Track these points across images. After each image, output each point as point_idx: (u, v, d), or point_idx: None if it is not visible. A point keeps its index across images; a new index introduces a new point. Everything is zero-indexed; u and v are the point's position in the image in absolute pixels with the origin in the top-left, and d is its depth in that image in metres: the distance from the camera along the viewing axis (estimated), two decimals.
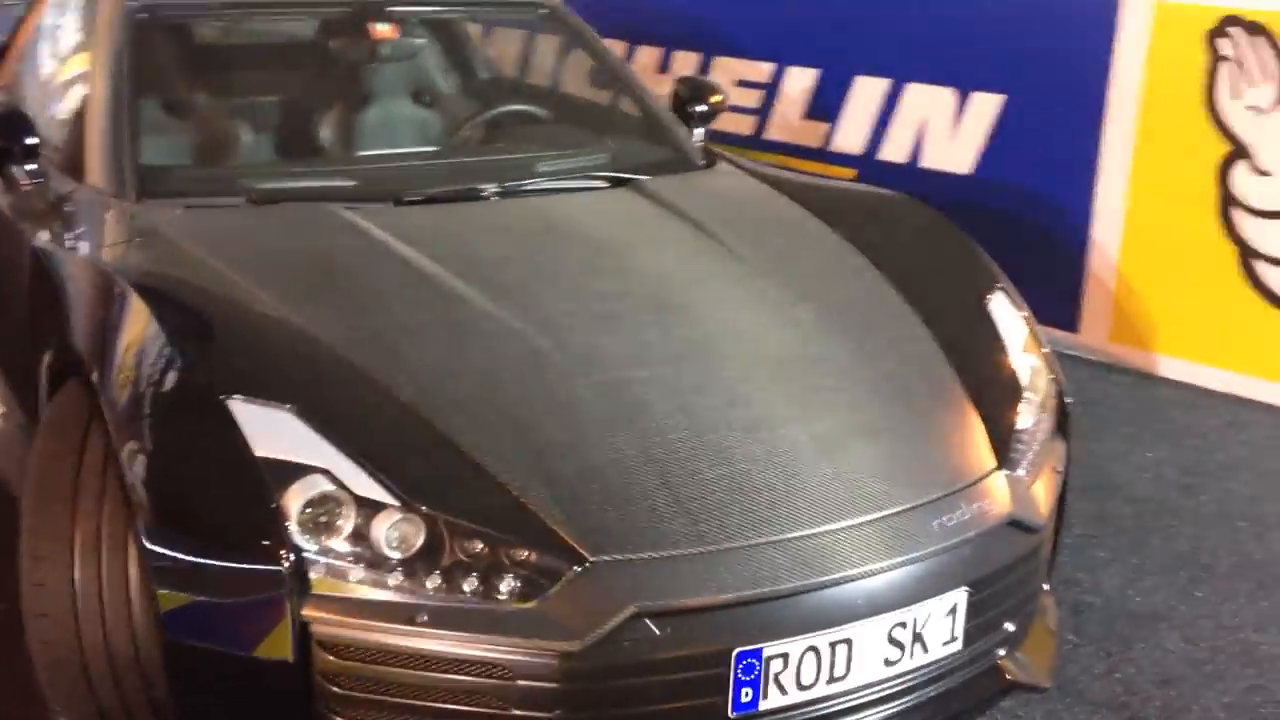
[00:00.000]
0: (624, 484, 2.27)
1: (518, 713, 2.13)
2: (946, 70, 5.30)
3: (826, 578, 2.23)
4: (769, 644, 2.19)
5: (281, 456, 2.19)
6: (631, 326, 2.67)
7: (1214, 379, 4.70)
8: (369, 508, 2.18)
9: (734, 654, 2.17)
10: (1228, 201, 4.63)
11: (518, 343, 2.55)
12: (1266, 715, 2.85)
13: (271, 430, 2.22)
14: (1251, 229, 4.60)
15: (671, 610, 2.14)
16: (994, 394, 2.72)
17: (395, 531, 2.16)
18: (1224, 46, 4.56)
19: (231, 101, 3.80)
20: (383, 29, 3.70)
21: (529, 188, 3.31)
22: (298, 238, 2.89)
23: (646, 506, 2.24)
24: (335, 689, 2.16)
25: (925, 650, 2.35)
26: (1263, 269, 4.59)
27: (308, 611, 2.14)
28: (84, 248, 2.91)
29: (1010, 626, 2.54)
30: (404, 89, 4.01)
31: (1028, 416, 2.72)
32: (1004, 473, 2.56)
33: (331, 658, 2.15)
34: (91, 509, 2.34)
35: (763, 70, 5.90)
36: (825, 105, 5.72)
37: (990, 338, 2.90)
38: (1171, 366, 4.83)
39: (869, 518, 2.33)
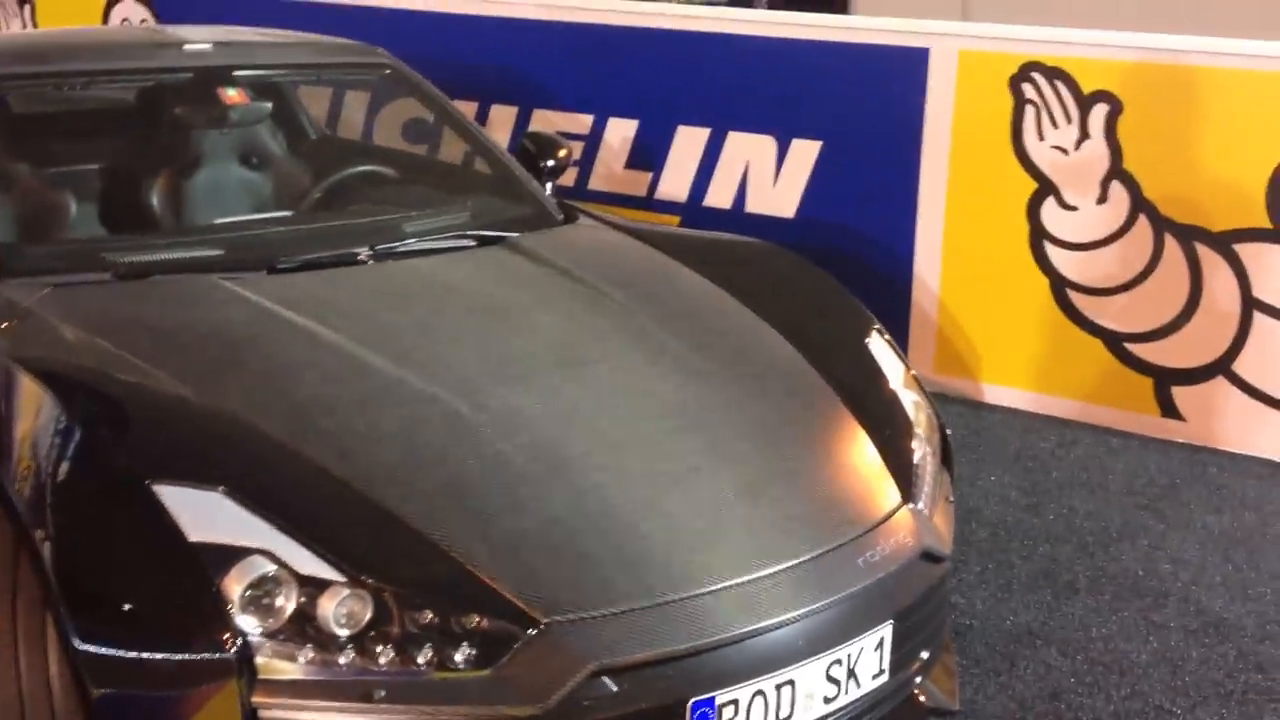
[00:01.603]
0: (566, 543, 2.29)
1: None
2: (766, 119, 5.48)
3: (770, 621, 2.29)
4: (721, 691, 2.23)
5: (217, 540, 2.13)
6: (542, 385, 2.68)
7: (1037, 403, 4.97)
8: (313, 585, 2.14)
9: (689, 704, 2.20)
10: (1039, 235, 4.92)
11: (435, 408, 2.54)
12: (1151, 718, 3.04)
13: (203, 513, 2.15)
14: (1061, 260, 4.89)
15: (628, 665, 2.17)
16: (888, 431, 2.83)
17: (342, 608, 2.13)
18: (1027, 91, 4.85)
19: (73, 172, 3.66)
20: (232, 94, 3.63)
21: (401, 250, 3.28)
22: (184, 312, 2.80)
23: (591, 564, 2.26)
24: None
25: (858, 685, 2.43)
26: (1075, 297, 4.88)
27: (257, 698, 2.08)
28: None
29: (925, 654, 2.64)
30: (250, 153, 3.94)
31: (918, 450, 2.84)
32: (909, 506, 2.67)
33: None
34: (4, 609, 2.22)
35: (583, 121, 5.97)
36: (647, 155, 5.83)
37: (875, 376, 3.02)
38: (996, 393, 5.08)
39: (801, 559, 2.40)
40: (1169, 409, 4.75)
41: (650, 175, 5.85)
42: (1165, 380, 4.75)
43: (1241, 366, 4.61)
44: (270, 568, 2.12)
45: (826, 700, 2.37)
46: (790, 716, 2.32)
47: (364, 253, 3.20)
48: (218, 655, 2.07)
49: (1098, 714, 3.05)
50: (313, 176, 3.94)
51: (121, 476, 2.21)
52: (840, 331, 3.18)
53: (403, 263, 3.22)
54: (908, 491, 2.70)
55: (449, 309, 2.98)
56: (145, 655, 2.09)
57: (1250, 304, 4.56)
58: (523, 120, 6.15)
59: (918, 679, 2.63)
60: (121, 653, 2.09)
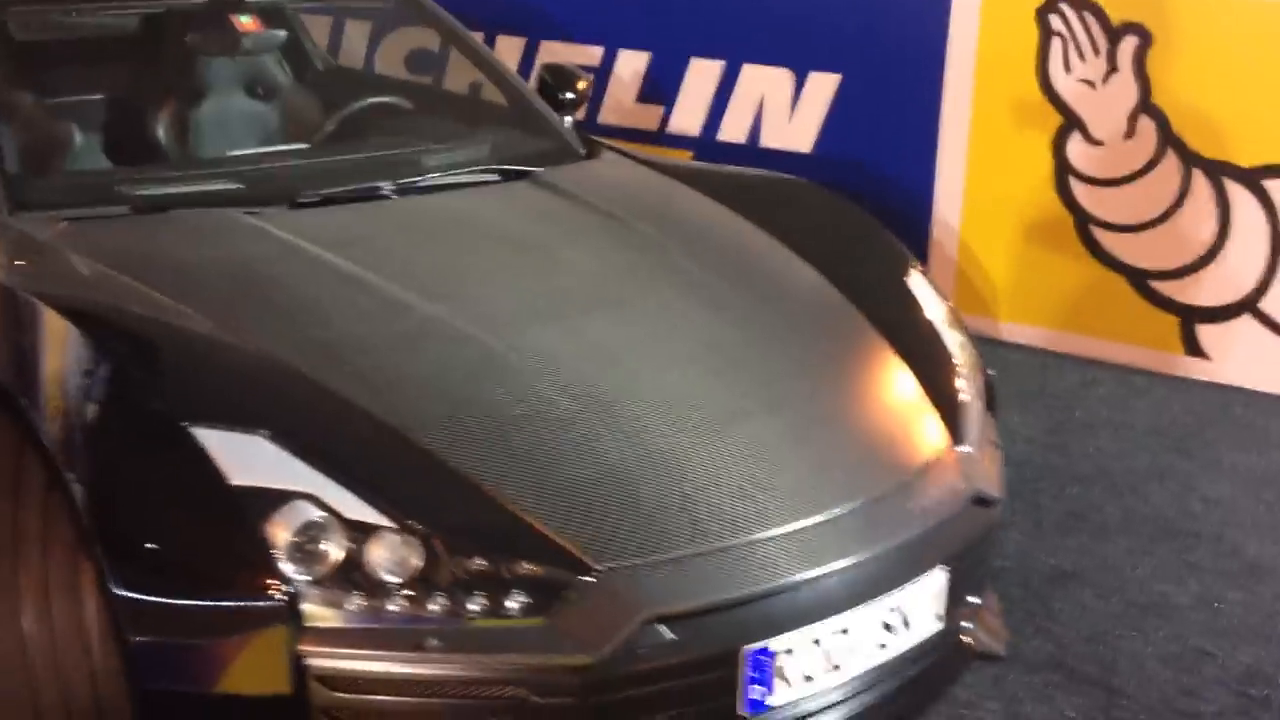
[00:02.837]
0: (614, 488, 2.21)
1: None
2: (782, 51, 5.36)
3: (825, 568, 2.22)
4: (776, 639, 2.17)
5: (261, 484, 2.06)
6: (579, 325, 2.60)
7: (1058, 341, 4.90)
8: (360, 531, 2.06)
9: (744, 652, 2.14)
10: (1063, 170, 4.83)
11: (472, 348, 2.45)
12: (1190, 661, 3.00)
13: (245, 457, 2.08)
14: (1087, 196, 4.81)
15: (682, 613, 2.10)
16: (933, 372, 2.76)
17: (392, 555, 2.06)
18: (1055, 22, 4.74)
19: (79, 102, 3.55)
20: (246, 21, 3.51)
21: (424, 184, 3.18)
22: (208, 248, 2.71)
23: (641, 509, 2.19)
24: None
25: (910, 631, 2.37)
26: (1099, 234, 4.80)
27: (303, 646, 2.01)
28: None
29: (975, 599, 2.59)
30: (260, 84, 3.82)
31: (964, 391, 2.77)
32: (958, 449, 2.60)
33: (332, 692, 2.02)
34: (35, 553, 2.15)
35: (592, 54, 5.83)
36: (659, 88, 5.71)
37: (917, 315, 2.94)
38: (1015, 331, 5.01)
39: (854, 504, 2.33)
40: (1194, 347, 4.69)
41: (662, 109, 5.74)
42: (1191, 318, 4.68)
43: (1269, 304, 4.54)
44: (316, 513, 2.05)
45: (881, 647, 2.32)
46: (845, 664, 2.27)
47: (387, 187, 3.11)
48: (263, 603, 2.01)
49: (1138, 656, 3.00)
50: (326, 108, 3.82)
51: (158, 418, 2.13)
52: (879, 269, 3.10)
53: (427, 198, 3.12)
54: (956, 434, 2.63)
55: (478, 246, 2.89)
56: (187, 602, 2.03)
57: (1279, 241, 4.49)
58: (530, 52, 6.03)
59: (967, 624, 2.58)
60: (161, 600, 2.03)
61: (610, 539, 2.13)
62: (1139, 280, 4.75)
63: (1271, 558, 3.48)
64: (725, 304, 2.79)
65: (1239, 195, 4.53)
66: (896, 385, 2.69)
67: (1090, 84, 4.71)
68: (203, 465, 2.06)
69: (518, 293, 2.69)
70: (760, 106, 5.46)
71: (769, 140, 5.45)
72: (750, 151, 5.46)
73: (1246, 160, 4.50)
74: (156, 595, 2.03)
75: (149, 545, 2.05)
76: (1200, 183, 4.59)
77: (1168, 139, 4.61)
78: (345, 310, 2.51)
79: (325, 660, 2.02)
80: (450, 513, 2.12)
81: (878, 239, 3.23)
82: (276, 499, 2.05)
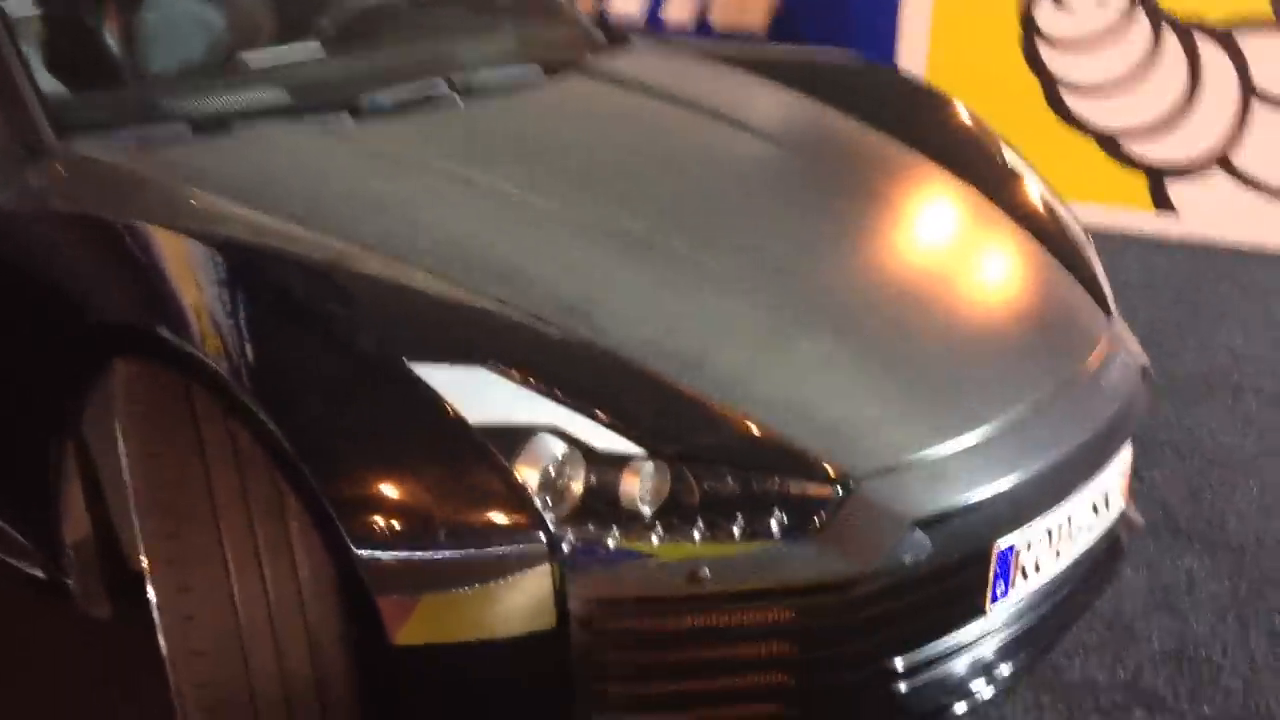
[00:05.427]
0: (844, 396, 2.11)
1: (806, 653, 1.97)
2: None
3: (1054, 456, 2.17)
4: (1018, 533, 2.12)
5: (502, 421, 1.89)
6: (734, 224, 2.46)
7: None
8: (609, 462, 1.91)
9: (994, 548, 2.09)
10: (1031, 36, 4.82)
11: (650, 259, 2.28)
12: None
13: (477, 394, 1.90)
14: (1055, 61, 4.82)
15: (939, 515, 2.02)
16: (1065, 248, 2.72)
17: (645, 483, 1.92)
18: None
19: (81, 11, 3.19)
20: None
21: (477, 84, 2.95)
22: (310, 168, 2.46)
23: (881, 414, 2.10)
24: (603, 663, 1.92)
25: (1109, 510, 2.35)
26: (1068, 97, 4.83)
27: (568, 585, 1.88)
28: (59, 204, 2.37)
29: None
30: None
31: (1094, 262, 2.75)
32: (1111, 321, 2.58)
33: (598, 630, 1.90)
34: (237, 514, 1.95)
35: None
36: None
37: (1028, 191, 2.89)
38: None
39: (1056, 387, 2.28)
40: (1163, 203, 4.78)
41: None
42: (1160, 176, 4.76)
43: (1238, 158, 4.65)
44: (562, 447, 1.89)
45: (1089, 530, 2.29)
46: (1063, 551, 2.24)
47: (443, 89, 2.87)
48: (523, 545, 1.85)
49: (1241, 513, 3.07)
50: (308, 4, 3.52)
51: (374, 358, 1.93)
52: (972, 148, 3.03)
53: (499, 101, 2.89)
54: (1105, 307, 2.61)
55: (585, 147, 2.70)
56: (438, 554, 1.86)
57: (1249, 95, 4.58)
58: None
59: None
60: (409, 554, 1.86)
61: (854, 447, 2.03)
62: (1108, 141, 4.81)
63: None
64: (860, 191, 2.69)
65: (1209, 52, 4.60)
66: (1046, 264, 2.63)
67: None
68: (437, 406, 1.88)
69: (654, 194, 2.53)
70: None
71: (719, 19, 5.30)
72: (699, 32, 5.31)
73: (1215, 16, 4.56)
74: (403, 550, 1.85)
75: (388, 498, 1.86)
76: (1170, 41, 4.64)
77: None
78: (501, 229, 2.30)
79: (591, 595, 1.89)
80: (693, 435, 1.98)
81: (956, 114, 3.16)
82: (520, 435, 1.88)
